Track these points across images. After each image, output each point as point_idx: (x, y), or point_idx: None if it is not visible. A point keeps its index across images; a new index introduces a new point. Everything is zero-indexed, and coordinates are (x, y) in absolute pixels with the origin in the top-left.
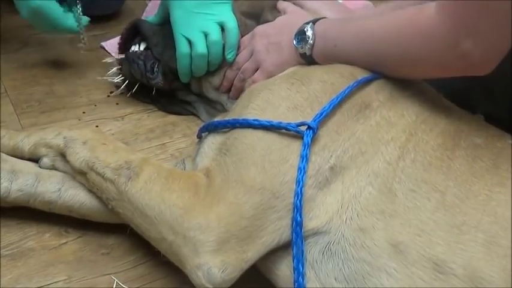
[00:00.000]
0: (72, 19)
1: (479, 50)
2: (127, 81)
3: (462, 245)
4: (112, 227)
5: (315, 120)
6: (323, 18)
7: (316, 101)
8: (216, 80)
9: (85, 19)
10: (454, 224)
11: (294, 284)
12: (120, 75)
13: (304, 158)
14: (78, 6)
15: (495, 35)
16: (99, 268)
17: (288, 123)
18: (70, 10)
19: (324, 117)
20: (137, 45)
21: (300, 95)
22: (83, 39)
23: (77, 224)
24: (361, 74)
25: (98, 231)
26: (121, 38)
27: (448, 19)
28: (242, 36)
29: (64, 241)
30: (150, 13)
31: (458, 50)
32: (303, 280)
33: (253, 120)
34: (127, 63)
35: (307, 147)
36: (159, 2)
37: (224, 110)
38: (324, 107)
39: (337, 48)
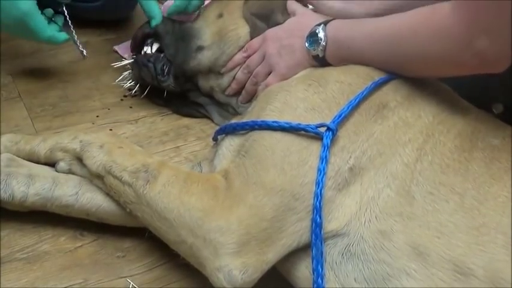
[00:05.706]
0: (52, 30)
1: (494, 47)
2: (138, 84)
3: (482, 246)
4: (127, 229)
5: (334, 122)
6: (334, 19)
7: (333, 101)
8: (224, 82)
9: (63, 35)
10: (473, 226)
11: (313, 285)
12: (131, 80)
13: (324, 159)
14: (60, 17)
15: (510, 33)
16: (114, 271)
17: (307, 125)
18: (51, 20)
19: (343, 118)
20: (149, 47)
21: (317, 96)
22: (82, 51)
23: (92, 227)
24: (378, 75)
25: (114, 234)
26: (132, 40)
27: (462, 17)
28: (251, 38)
29: (79, 244)
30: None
31: (473, 48)
32: (322, 281)
33: (272, 122)
34: (137, 66)
35: (327, 148)
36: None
37: (236, 113)
38: (343, 109)
39: (350, 49)
